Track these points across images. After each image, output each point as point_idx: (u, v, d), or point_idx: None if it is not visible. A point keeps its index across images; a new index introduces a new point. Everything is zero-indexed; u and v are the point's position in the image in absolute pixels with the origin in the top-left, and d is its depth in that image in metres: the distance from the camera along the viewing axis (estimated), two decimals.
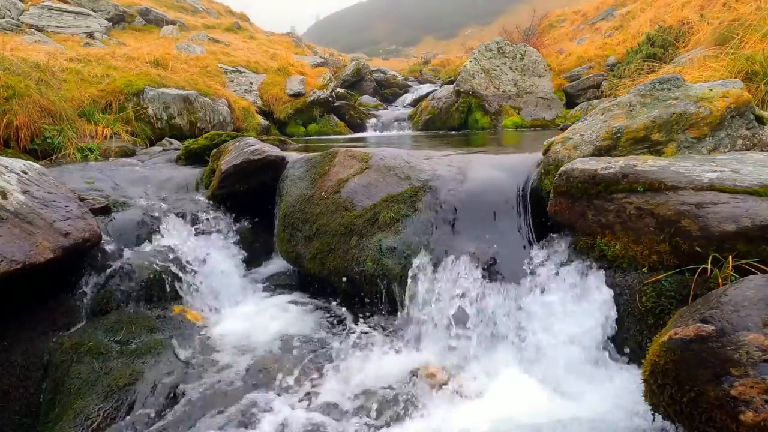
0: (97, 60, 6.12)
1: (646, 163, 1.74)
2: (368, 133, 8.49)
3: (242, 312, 2.50)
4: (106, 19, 10.50)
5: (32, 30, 8.36)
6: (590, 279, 1.77)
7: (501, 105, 7.90)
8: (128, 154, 4.35)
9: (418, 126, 8.39)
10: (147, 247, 2.59)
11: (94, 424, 1.71)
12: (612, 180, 1.73)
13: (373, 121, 8.96)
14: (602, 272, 1.76)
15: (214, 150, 3.46)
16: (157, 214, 2.83)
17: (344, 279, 2.42)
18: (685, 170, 1.66)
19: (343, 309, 2.50)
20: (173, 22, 11.86)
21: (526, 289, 1.91)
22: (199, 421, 1.69)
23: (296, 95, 8.22)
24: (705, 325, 1.11)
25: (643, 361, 1.27)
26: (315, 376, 1.93)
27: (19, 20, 8.78)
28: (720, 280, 1.41)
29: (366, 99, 10.99)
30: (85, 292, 2.30)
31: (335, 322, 2.39)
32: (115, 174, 3.45)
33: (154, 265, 2.44)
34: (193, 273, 2.54)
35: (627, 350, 1.69)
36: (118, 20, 11.03)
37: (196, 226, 2.90)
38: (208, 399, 1.80)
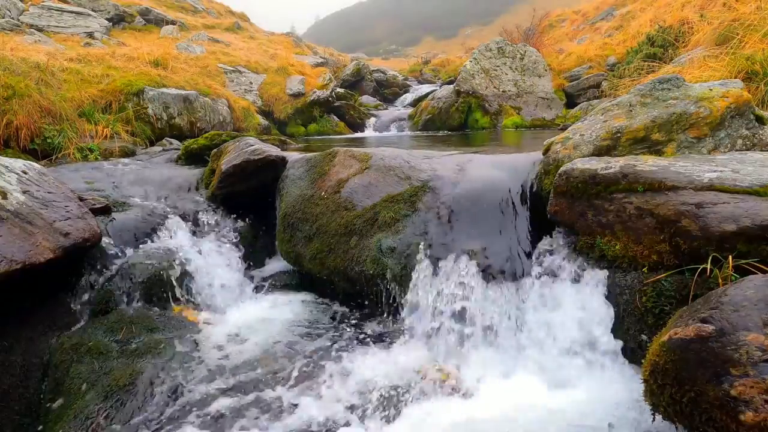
0: (97, 60, 6.11)
1: (646, 163, 1.74)
2: (368, 133, 8.48)
3: (242, 312, 2.50)
4: (106, 19, 10.49)
5: (32, 30, 8.36)
6: (590, 279, 1.77)
7: (501, 105, 7.89)
8: (128, 154, 4.35)
9: (418, 126, 8.38)
10: (147, 247, 2.59)
11: (94, 424, 1.70)
12: (612, 180, 1.73)
13: (373, 121, 8.95)
14: (602, 272, 1.76)
15: (214, 150, 3.46)
16: (157, 214, 2.83)
17: (344, 279, 2.42)
18: (685, 170, 1.66)
19: (343, 308, 2.50)
20: (173, 22, 11.85)
21: (526, 289, 1.92)
22: (199, 421, 1.69)
23: (296, 95, 8.22)
24: (705, 325, 1.11)
25: (642, 360, 1.27)
26: (315, 374, 1.93)
27: (19, 20, 8.78)
28: (720, 280, 1.41)
29: (366, 99, 10.99)
30: (85, 292, 2.30)
31: (335, 321, 2.39)
32: (115, 174, 3.45)
33: (154, 265, 2.44)
34: (192, 273, 2.54)
35: (627, 350, 1.68)
36: (118, 20, 11.02)
37: (196, 226, 2.90)
38: (208, 399, 1.80)
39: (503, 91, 8.05)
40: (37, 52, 5.60)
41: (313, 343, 2.19)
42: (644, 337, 1.60)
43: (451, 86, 8.68)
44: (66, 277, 2.28)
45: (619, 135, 2.00)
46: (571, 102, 8.44)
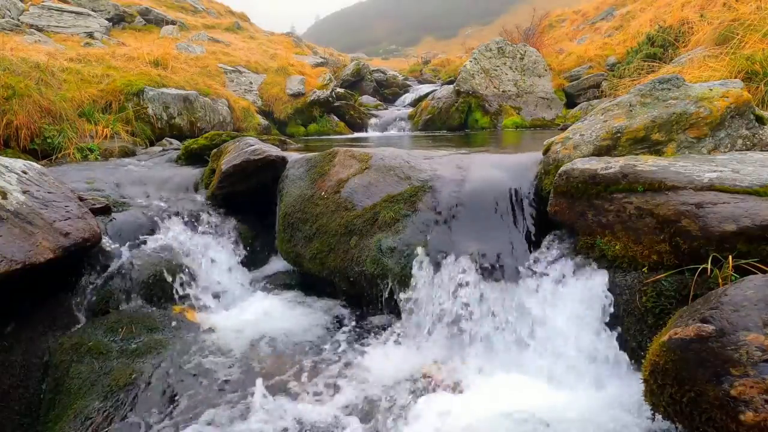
0: (97, 60, 6.11)
1: (646, 163, 1.74)
2: (368, 133, 8.48)
3: (242, 312, 2.50)
4: (106, 19, 10.49)
5: (32, 30, 8.36)
6: (590, 279, 1.77)
7: (501, 105, 7.89)
8: (128, 154, 4.35)
9: (418, 126, 8.38)
10: (147, 247, 2.59)
11: (94, 424, 1.70)
12: (612, 180, 1.73)
13: (373, 120, 8.95)
14: (602, 272, 1.76)
15: (214, 150, 3.46)
16: (157, 214, 2.83)
17: (344, 279, 2.42)
18: (685, 170, 1.66)
19: (343, 309, 2.50)
20: (173, 22, 11.85)
21: (526, 289, 1.91)
22: (198, 421, 1.69)
23: (296, 95, 8.22)
24: (705, 325, 1.11)
25: (642, 360, 1.27)
26: (315, 375, 1.93)
27: (19, 20, 8.78)
28: (720, 280, 1.41)
29: (366, 99, 10.98)
30: (85, 292, 2.30)
31: (335, 321, 2.39)
32: (115, 174, 3.45)
33: (154, 265, 2.44)
34: (193, 273, 2.54)
35: (627, 350, 1.68)
36: (118, 20, 11.02)
37: (196, 226, 2.90)
38: (208, 398, 1.80)
39: (503, 91, 8.06)
40: (37, 52, 5.60)
41: (313, 343, 2.19)
42: (644, 337, 1.60)
43: (451, 86, 8.67)
44: (66, 277, 2.28)
45: (619, 135, 2.00)
46: (571, 102, 8.44)
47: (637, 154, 1.95)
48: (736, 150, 1.97)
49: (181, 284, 2.48)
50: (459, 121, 8.10)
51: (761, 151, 1.95)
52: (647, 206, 1.62)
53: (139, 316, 2.26)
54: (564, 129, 2.81)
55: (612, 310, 1.70)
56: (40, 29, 8.63)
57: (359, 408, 1.73)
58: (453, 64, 15.37)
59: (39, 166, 2.49)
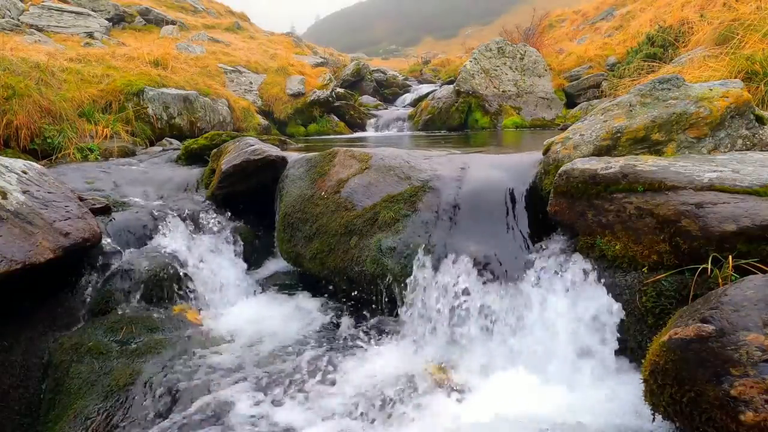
0: (97, 60, 6.11)
1: (646, 163, 1.74)
2: (368, 133, 8.49)
3: (242, 312, 2.50)
4: (106, 19, 10.48)
5: (32, 30, 8.35)
6: (590, 279, 1.77)
7: (501, 105, 7.89)
8: (128, 154, 4.35)
9: (418, 126, 8.38)
10: (147, 247, 2.59)
11: (94, 424, 1.71)
12: (612, 180, 1.73)
13: (373, 120, 8.96)
14: (602, 272, 1.76)
15: (214, 150, 3.46)
16: (157, 214, 2.83)
17: (344, 279, 2.42)
18: (685, 170, 1.66)
19: (343, 309, 2.50)
20: (173, 22, 11.84)
21: (525, 289, 1.91)
22: (199, 421, 1.68)
23: (296, 95, 8.23)
24: (705, 325, 1.11)
25: (642, 360, 1.27)
26: (315, 375, 1.93)
27: (19, 20, 8.77)
28: (720, 280, 1.41)
29: (366, 99, 10.98)
30: (85, 292, 2.30)
31: (335, 321, 2.39)
32: (115, 174, 3.45)
33: (154, 265, 2.44)
34: (193, 273, 2.54)
35: (627, 350, 1.68)
36: (118, 20, 11.02)
37: (196, 226, 2.90)
38: (208, 399, 1.80)
39: (503, 91, 8.05)
40: (37, 52, 5.60)
41: (313, 343, 2.19)
42: (644, 337, 1.60)
43: (451, 86, 8.67)
44: (66, 277, 2.28)
45: (619, 135, 2.00)
46: (571, 102, 8.43)
47: (637, 154, 1.95)
48: (736, 150, 1.97)
49: (181, 284, 2.48)
50: (459, 121, 8.10)
51: (761, 151, 1.95)
52: (647, 206, 1.62)
53: (139, 316, 2.26)
54: (564, 129, 2.81)
55: (612, 310, 1.70)
56: (40, 29, 8.62)
57: (357, 408, 1.72)
58: (453, 64, 15.36)
59: (39, 166, 2.49)
